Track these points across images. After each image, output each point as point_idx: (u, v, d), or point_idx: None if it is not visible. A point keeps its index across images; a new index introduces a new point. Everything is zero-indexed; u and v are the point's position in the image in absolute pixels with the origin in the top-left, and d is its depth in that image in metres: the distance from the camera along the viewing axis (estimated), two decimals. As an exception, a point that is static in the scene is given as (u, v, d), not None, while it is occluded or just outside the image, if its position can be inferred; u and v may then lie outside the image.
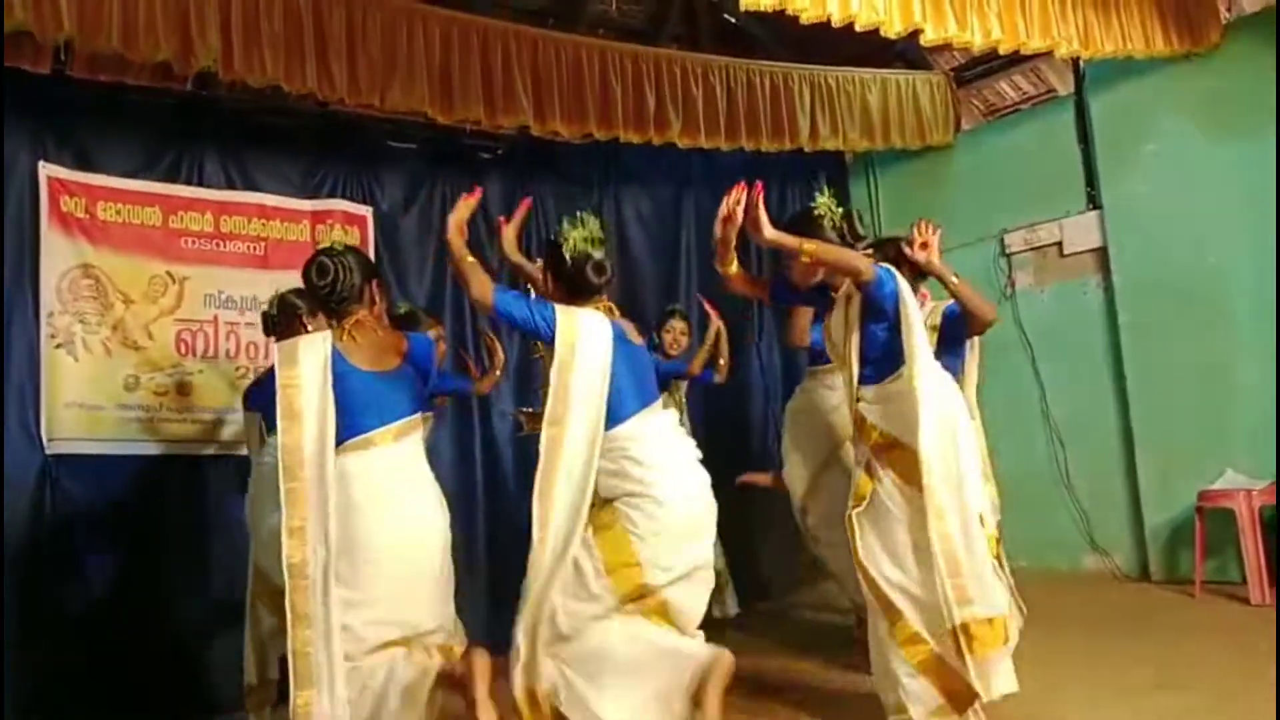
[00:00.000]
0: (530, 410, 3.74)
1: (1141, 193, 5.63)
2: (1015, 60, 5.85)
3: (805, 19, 4.09)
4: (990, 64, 6.18)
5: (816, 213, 3.27)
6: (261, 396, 3.61)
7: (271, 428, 3.07)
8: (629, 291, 5.98)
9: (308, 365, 2.81)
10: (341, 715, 2.63)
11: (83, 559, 4.24)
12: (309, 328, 3.35)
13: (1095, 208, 5.89)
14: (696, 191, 6.54)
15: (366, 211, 5.35)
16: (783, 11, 4.06)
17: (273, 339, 3.85)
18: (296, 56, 4.24)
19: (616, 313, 3.07)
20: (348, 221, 5.24)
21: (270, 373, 3.23)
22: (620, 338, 2.93)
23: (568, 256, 3.01)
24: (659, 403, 3.06)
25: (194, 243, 4.75)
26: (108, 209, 4.54)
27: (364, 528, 2.76)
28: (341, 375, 2.84)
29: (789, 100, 5.89)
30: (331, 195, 5.25)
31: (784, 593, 6.06)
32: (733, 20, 6.32)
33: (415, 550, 2.84)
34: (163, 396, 4.53)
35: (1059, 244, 6.07)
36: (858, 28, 4.21)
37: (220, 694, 4.23)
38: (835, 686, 4.00)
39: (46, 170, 4.40)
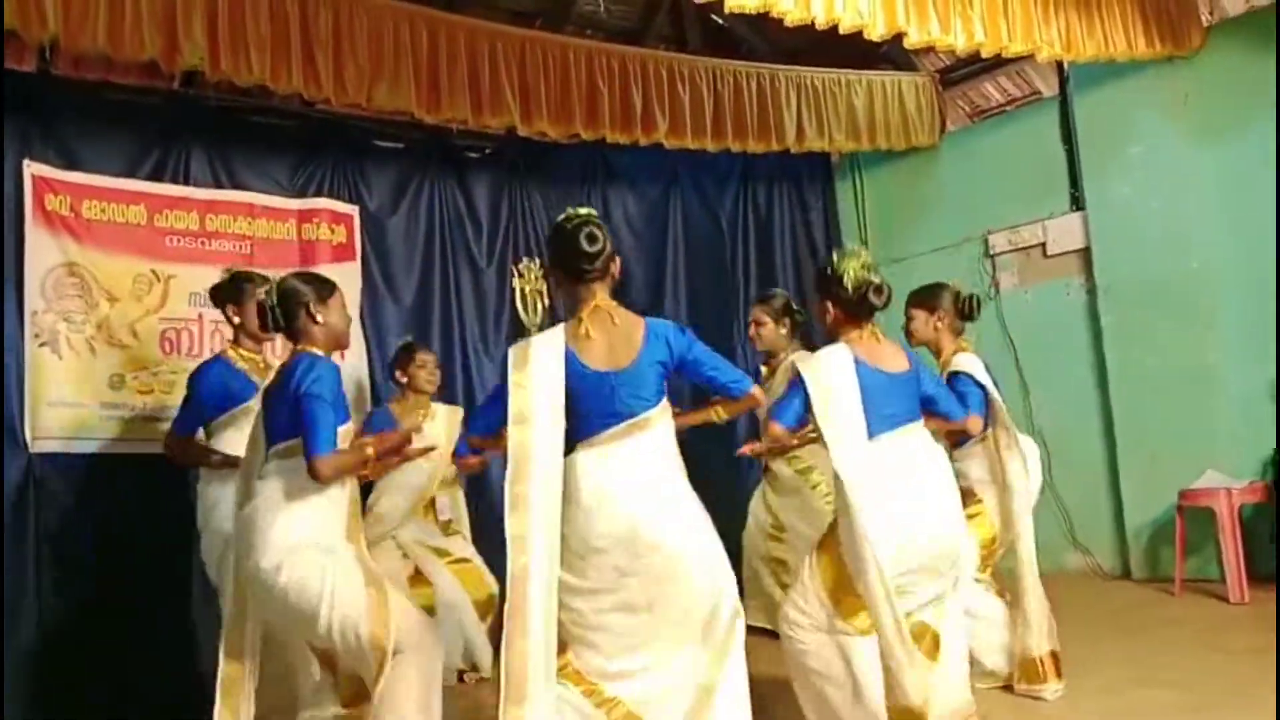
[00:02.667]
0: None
1: (1125, 194, 5.67)
2: (1000, 62, 5.88)
3: (790, 21, 4.12)
4: (975, 66, 6.21)
5: (840, 275, 3.13)
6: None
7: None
8: (617, 288, 5.98)
9: (540, 364, 2.69)
10: None
11: (66, 558, 4.24)
12: (318, 319, 2.88)
13: (1079, 209, 5.94)
14: (684, 191, 6.57)
15: (353, 210, 5.35)
16: (768, 13, 4.09)
17: (272, 334, 3.29)
18: (283, 56, 4.24)
19: (879, 336, 3.13)
20: (334, 220, 5.25)
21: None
22: (861, 362, 2.99)
23: (849, 285, 3.07)
24: (902, 428, 3.02)
25: (179, 241, 4.75)
26: (93, 207, 4.54)
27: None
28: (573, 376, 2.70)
29: (775, 101, 5.92)
30: (318, 194, 5.26)
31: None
32: (720, 22, 6.35)
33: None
34: (147, 395, 4.53)
35: (1043, 245, 6.11)
36: (841, 30, 4.24)
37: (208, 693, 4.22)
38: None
39: (31, 168, 4.40)
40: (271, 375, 3.11)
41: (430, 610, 3.95)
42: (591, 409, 2.68)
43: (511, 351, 2.75)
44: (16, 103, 4.37)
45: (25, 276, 4.32)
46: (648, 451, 2.70)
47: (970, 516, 3.52)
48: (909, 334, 3.89)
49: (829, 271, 3.15)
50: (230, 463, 3.40)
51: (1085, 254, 5.90)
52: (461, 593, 4.40)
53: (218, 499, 3.49)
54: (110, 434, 4.41)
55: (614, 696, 2.64)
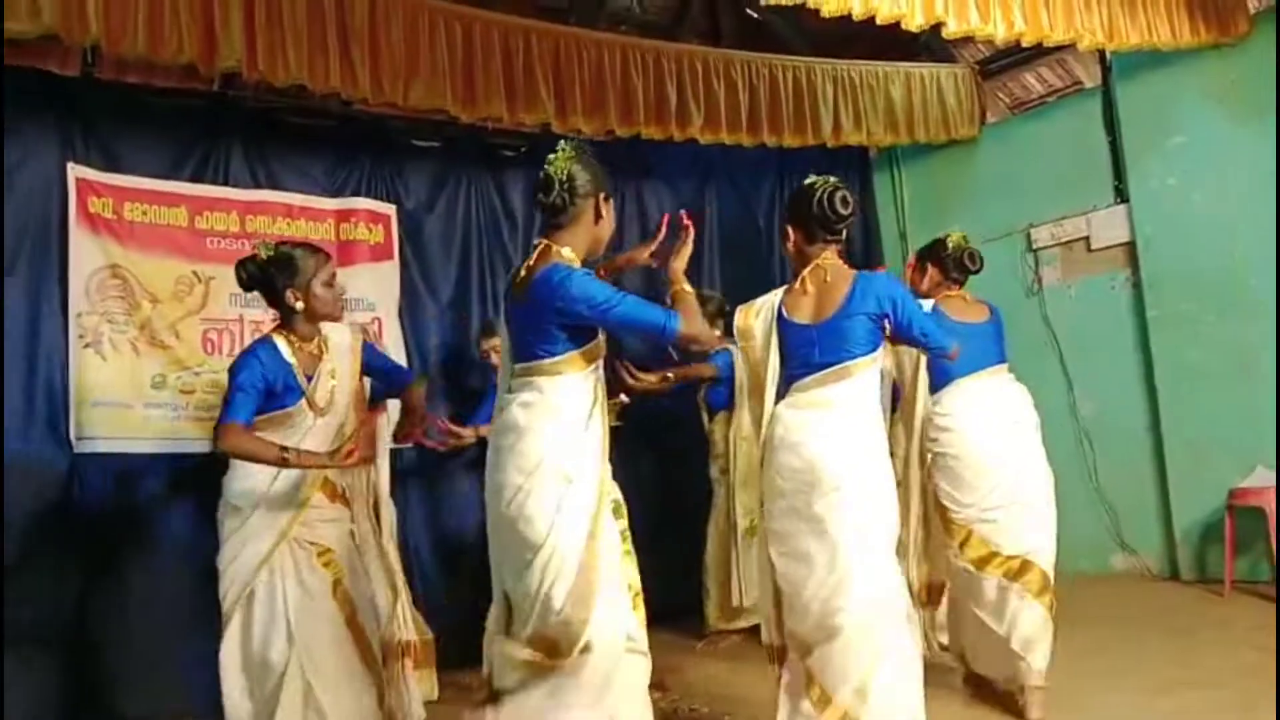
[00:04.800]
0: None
1: (1170, 185, 5.56)
2: (1041, 52, 5.78)
3: (827, 12, 4.08)
4: (1015, 56, 6.11)
5: (944, 238, 3.82)
6: None
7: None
8: (652, 283, 5.97)
9: (760, 318, 3.09)
10: None
11: (108, 556, 4.29)
12: (602, 215, 2.68)
13: (1123, 201, 5.83)
14: (719, 186, 6.54)
15: (390, 210, 5.37)
16: (804, 5, 4.05)
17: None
18: (320, 55, 4.26)
19: (966, 297, 3.75)
20: (372, 220, 5.27)
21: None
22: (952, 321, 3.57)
23: (950, 247, 3.75)
24: (982, 371, 3.61)
25: (220, 242, 4.78)
26: (135, 209, 4.59)
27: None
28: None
29: (812, 95, 5.86)
30: (355, 194, 5.28)
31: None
32: (755, 15, 6.30)
33: None
34: (189, 395, 4.58)
35: (1086, 238, 6.00)
36: (879, 21, 4.20)
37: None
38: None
39: (75, 171, 4.44)
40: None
41: None
42: (795, 359, 2.96)
43: (738, 312, 3.20)
44: (60, 106, 4.44)
45: (69, 278, 4.37)
46: (844, 400, 2.86)
47: None
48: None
49: (935, 240, 3.84)
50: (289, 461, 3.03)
51: (1130, 247, 5.79)
52: None
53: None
54: (153, 433, 4.45)
55: None
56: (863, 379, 2.88)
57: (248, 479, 3.07)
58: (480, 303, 5.60)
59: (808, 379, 2.90)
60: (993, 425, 3.54)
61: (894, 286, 2.95)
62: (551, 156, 2.63)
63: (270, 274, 3.12)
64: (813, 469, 2.79)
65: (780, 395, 2.98)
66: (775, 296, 3.09)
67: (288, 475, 3.07)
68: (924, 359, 3.63)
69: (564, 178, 2.58)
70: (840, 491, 2.76)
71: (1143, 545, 5.66)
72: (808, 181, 3.02)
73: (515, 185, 5.87)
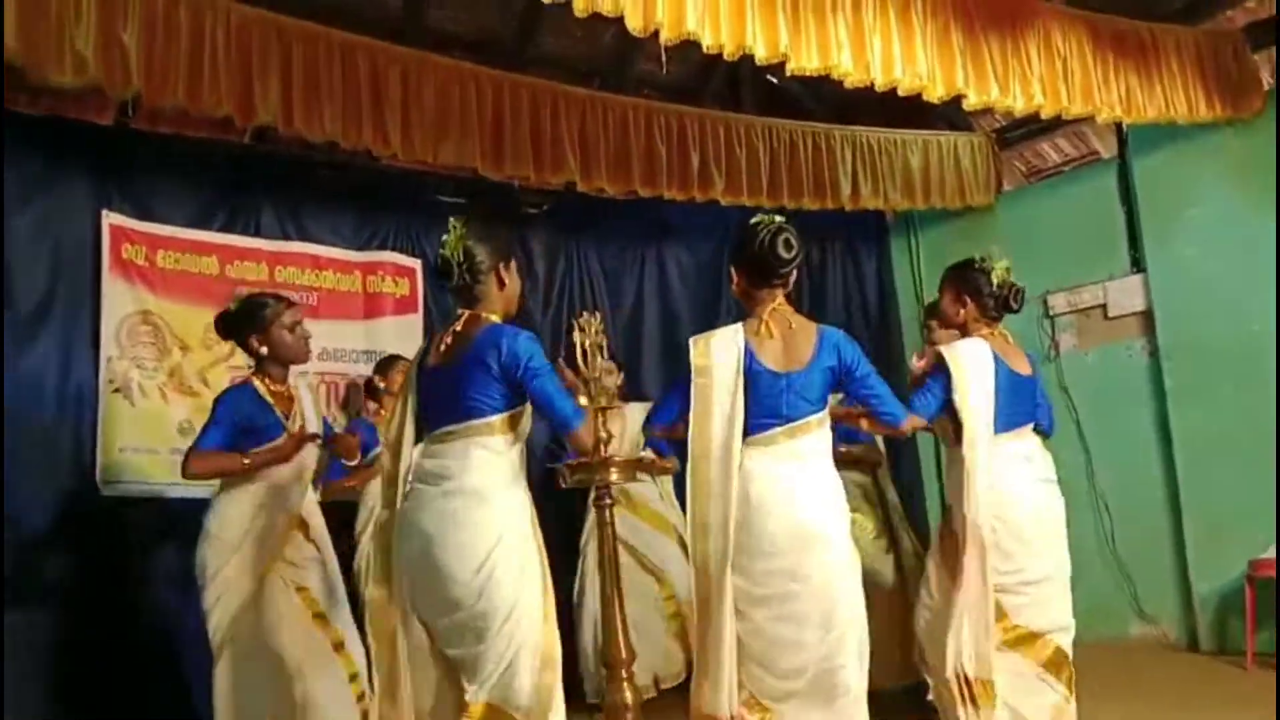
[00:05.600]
0: (574, 462, 3.71)
1: (1186, 256, 5.60)
2: (1058, 123, 5.87)
3: (850, 83, 4.17)
4: (1032, 126, 6.21)
5: (988, 270, 3.42)
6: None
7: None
8: (670, 344, 6.03)
9: (721, 358, 2.81)
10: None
11: (132, 601, 4.31)
12: (505, 283, 2.77)
13: (1140, 270, 5.87)
14: (738, 248, 6.61)
15: (416, 264, 5.46)
16: (827, 75, 4.14)
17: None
18: (354, 114, 4.37)
19: (1008, 338, 3.42)
20: (398, 273, 5.36)
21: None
22: (999, 358, 3.29)
23: (995, 281, 3.37)
24: (1023, 428, 3.35)
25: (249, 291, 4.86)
26: (167, 257, 4.69)
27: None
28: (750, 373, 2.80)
29: (830, 160, 5.94)
30: (382, 247, 5.39)
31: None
32: (775, 81, 6.43)
33: None
34: (215, 443, 4.62)
35: (1103, 306, 6.04)
36: (900, 92, 4.28)
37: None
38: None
39: (110, 219, 4.55)
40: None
41: None
42: (762, 407, 2.76)
43: (693, 343, 2.86)
44: (95, 155, 4.57)
45: (101, 324, 4.46)
46: (810, 454, 2.79)
47: None
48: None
49: (976, 265, 3.40)
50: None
51: (1147, 316, 5.82)
52: None
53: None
54: (179, 479, 4.46)
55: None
56: (824, 432, 2.85)
57: (231, 507, 3.30)
58: (500, 357, 5.65)
59: (775, 430, 2.76)
60: (1032, 490, 3.31)
61: (852, 342, 2.92)
62: (444, 239, 2.70)
63: (238, 325, 3.43)
64: (803, 527, 2.72)
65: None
66: (735, 335, 2.84)
67: (269, 511, 3.27)
68: (979, 411, 3.21)
69: (460, 259, 2.67)
70: (831, 549, 2.75)
71: (1161, 614, 5.61)
72: (752, 221, 2.90)
73: (538, 242, 5.97)
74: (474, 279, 2.69)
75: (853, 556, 2.81)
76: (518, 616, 2.51)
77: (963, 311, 3.40)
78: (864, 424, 3.11)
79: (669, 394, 2.99)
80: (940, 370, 3.25)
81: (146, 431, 4.47)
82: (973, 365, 3.22)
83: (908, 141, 6.19)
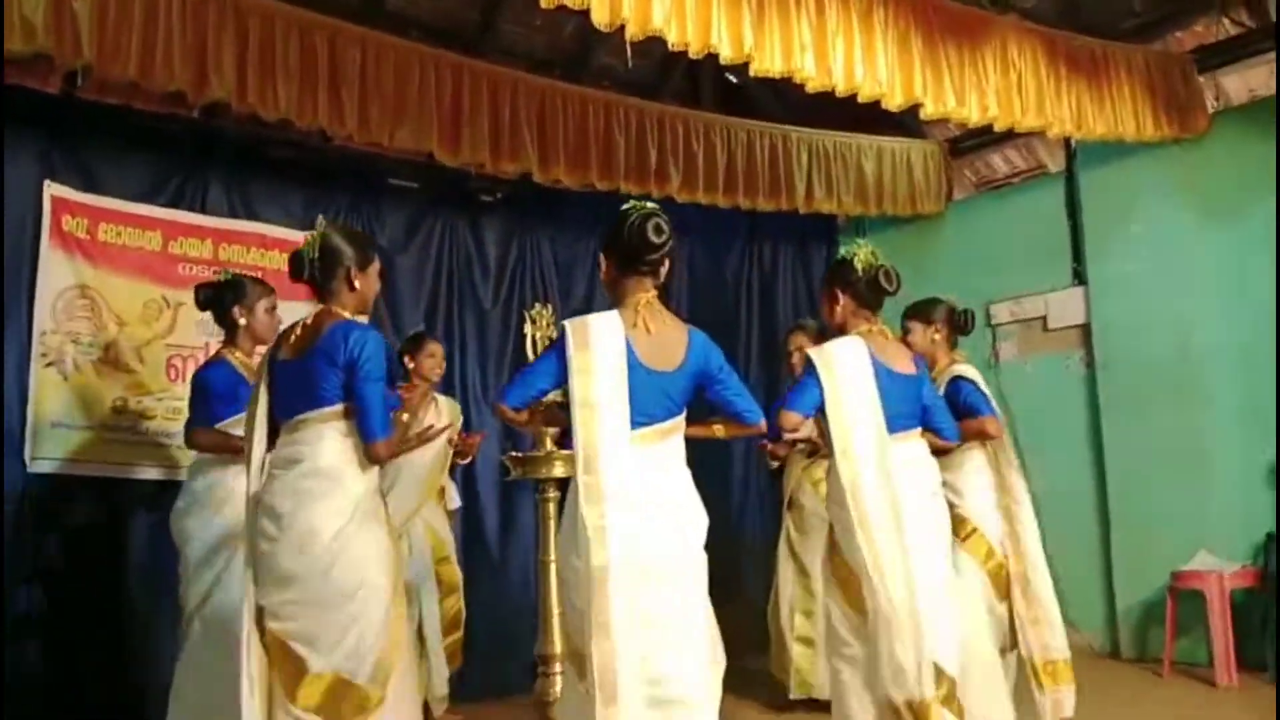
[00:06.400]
0: (519, 454, 3.71)
1: (1126, 271, 5.74)
2: (1009, 135, 5.97)
3: (811, 87, 4.21)
4: (984, 137, 6.31)
5: (850, 259, 3.23)
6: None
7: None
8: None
9: (601, 350, 2.60)
10: None
11: (59, 579, 4.21)
12: (355, 285, 2.82)
13: (1081, 284, 6.01)
14: (691, 244, 6.61)
15: (365, 246, 5.37)
16: (789, 78, 4.17)
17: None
18: (309, 93, 4.31)
19: (888, 334, 3.24)
20: (346, 256, 5.27)
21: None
22: (875, 358, 3.08)
23: (859, 268, 3.17)
24: (906, 432, 3.13)
25: (192, 269, 4.76)
26: (109, 230, 4.56)
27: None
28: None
29: (787, 162, 6.00)
30: (332, 229, 5.28)
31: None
32: (734, 80, 6.45)
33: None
34: (149, 421, 4.53)
35: (1044, 318, 6.17)
36: (861, 98, 4.34)
37: None
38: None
39: (51, 189, 4.42)
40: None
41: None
42: (633, 405, 2.60)
43: (570, 328, 2.65)
44: (39, 124, 4.42)
45: (36, 296, 4.33)
46: (672, 456, 2.68)
47: (964, 538, 3.62)
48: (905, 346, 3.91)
49: (839, 258, 3.27)
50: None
51: (1085, 329, 5.96)
52: (433, 600, 4.40)
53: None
54: (110, 458, 4.39)
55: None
56: (681, 437, 2.72)
57: (214, 473, 3.41)
58: (447, 343, 5.59)
59: (646, 430, 2.60)
60: (915, 503, 3.04)
61: (717, 347, 2.82)
62: (306, 236, 2.87)
63: (223, 294, 3.58)
64: (682, 535, 2.61)
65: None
66: (615, 325, 2.65)
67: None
68: (856, 418, 3.01)
69: (313, 257, 2.81)
70: (691, 556, 2.63)
71: (1086, 621, 5.74)
72: (624, 207, 2.77)
73: (491, 231, 5.93)
74: (324, 276, 2.81)
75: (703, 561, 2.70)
76: (364, 595, 2.62)
77: (838, 309, 3.22)
78: (718, 431, 2.93)
79: (531, 371, 2.77)
80: (811, 366, 3.07)
81: (79, 408, 4.36)
82: (845, 367, 3.04)
83: (863, 147, 6.27)
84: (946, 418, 3.33)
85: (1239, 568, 4.95)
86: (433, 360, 4.57)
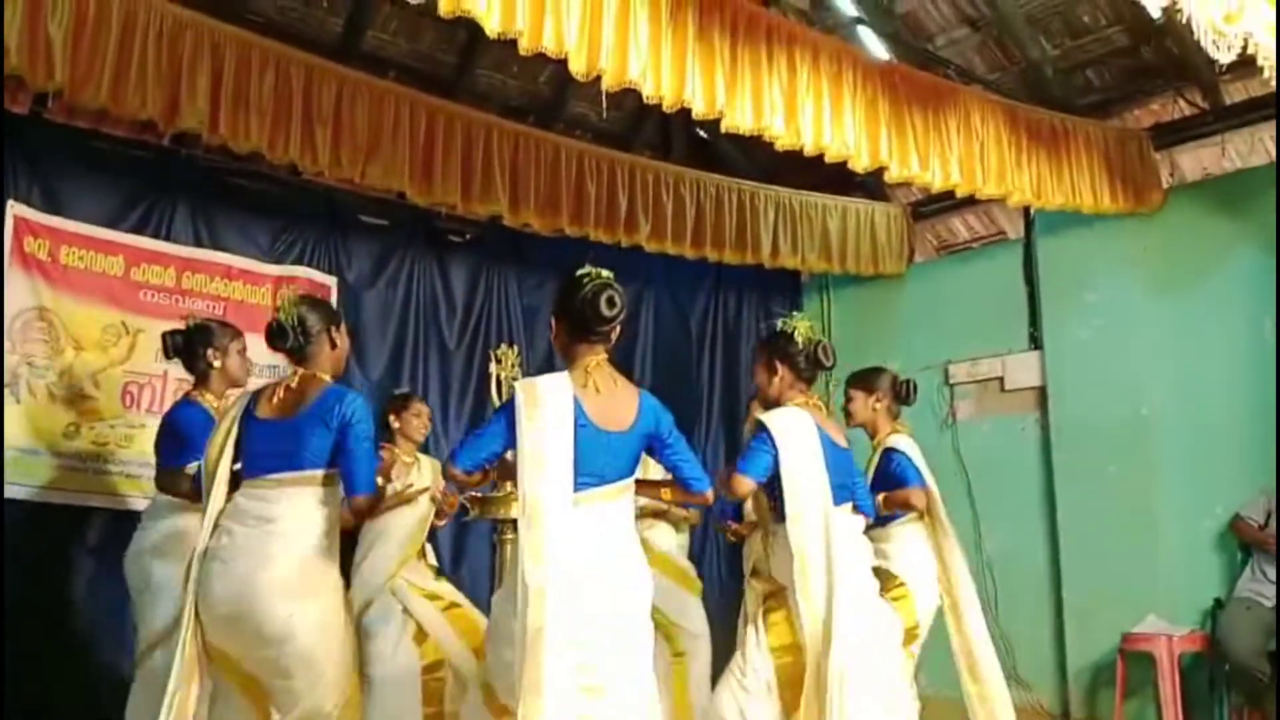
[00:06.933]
0: (478, 494, 3.68)
1: (1081, 338, 5.87)
2: (970, 201, 6.10)
3: (780, 146, 4.28)
4: (946, 202, 6.44)
5: (790, 332, 3.21)
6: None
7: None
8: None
9: (551, 410, 2.59)
10: None
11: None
12: (336, 342, 2.92)
13: (1037, 348, 6.12)
14: (656, 293, 6.67)
15: (331, 281, 5.37)
16: (759, 135, 4.25)
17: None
18: (282, 126, 4.32)
19: (822, 406, 3.22)
20: (311, 289, 5.23)
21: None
22: (820, 429, 3.08)
23: (799, 341, 3.17)
24: (847, 504, 3.11)
25: (154, 296, 4.73)
26: (71, 254, 4.52)
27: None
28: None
29: (754, 217, 6.08)
30: (298, 262, 5.28)
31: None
32: (705, 135, 6.56)
33: None
34: (101, 448, 4.45)
35: (1000, 379, 6.27)
36: (828, 159, 4.41)
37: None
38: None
39: (14, 209, 4.38)
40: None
41: (439, 664, 3.95)
42: (581, 465, 2.56)
43: (520, 389, 2.63)
44: (6, 144, 4.37)
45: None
46: (622, 516, 2.66)
47: (895, 599, 3.52)
48: (847, 414, 3.95)
49: (779, 330, 3.23)
50: None
51: (1041, 392, 6.06)
52: (460, 643, 4.27)
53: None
54: (60, 484, 4.31)
55: None
56: (630, 498, 2.72)
57: (178, 518, 3.34)
58: (410, 381, 5.58)
59: (592, 491, 2.58)
60: (855, 573, 3.01)
61: (667, 410, 2.80)
62: (280, 304, 2.91)
63: (193, 339, 3.54)
64: (627, 598, 2.60)
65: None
66: (565, 385, 2.63)
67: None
68: (812, 481, 3.00)
69: (294, 323, 2.84)
70: (643, 616, 2.64)
71: (1037, 681, 5.79)
72: (579, 272, 2.72)
73: (459, 271, 5.94)
74: (307, 341, 2.85)
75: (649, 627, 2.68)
76: (322, 661, 2.65)
77: (775, 380, 3.18)
78: (665, 494, 2.96)
79: (481, 435, 2.72)
80: (764, 433, 3.03)
81: (31, 432, 4.28)
82: (796, 434, 3.02)
83: (828, 206, 6.38)
84: (868, 496, 3.32)
85: (1187, 632, 5.01)
86: (419, 420, 4.48)
